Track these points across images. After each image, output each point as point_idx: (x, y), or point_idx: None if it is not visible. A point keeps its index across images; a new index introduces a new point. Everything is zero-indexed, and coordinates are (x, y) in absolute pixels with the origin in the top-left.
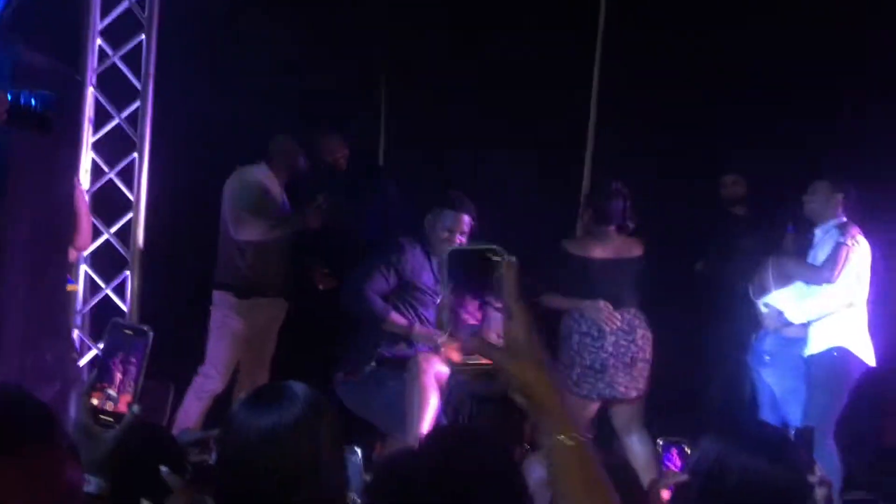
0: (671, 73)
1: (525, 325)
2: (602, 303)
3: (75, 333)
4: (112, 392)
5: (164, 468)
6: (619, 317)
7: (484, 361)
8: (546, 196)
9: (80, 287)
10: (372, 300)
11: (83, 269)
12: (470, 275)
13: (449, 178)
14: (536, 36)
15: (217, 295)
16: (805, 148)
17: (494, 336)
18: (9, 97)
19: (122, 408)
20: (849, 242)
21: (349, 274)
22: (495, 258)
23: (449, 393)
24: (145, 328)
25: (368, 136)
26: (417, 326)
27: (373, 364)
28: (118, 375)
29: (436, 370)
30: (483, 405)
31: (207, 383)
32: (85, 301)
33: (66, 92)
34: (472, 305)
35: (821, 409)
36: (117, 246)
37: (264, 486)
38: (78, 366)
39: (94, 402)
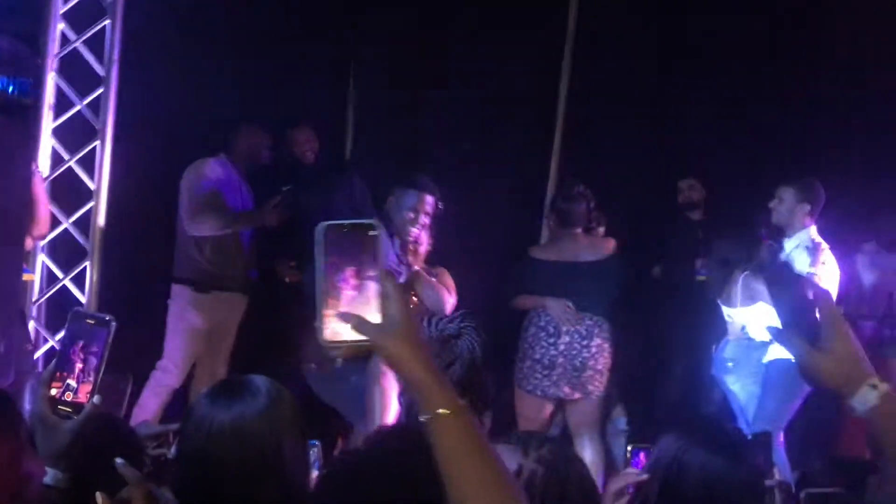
0: (638, 77)
1: (399, 300)
2: (566, 303)
3: (31, 324)
4: (71, 382)
5: (119, 460)
6: (580, 319)
7: (359, 338)
8: (513, 200)
9: (37, 277)
10: None
11: (40, 258)
12: (347, 249)
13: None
14: (506, 34)
15: (175, 288)
16: (768, 150)
17: (374, 308)
18: None
19: (82, 398)
20: (818, 271)
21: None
22: (372, 233)
23: (400, 393)
24: (107, 318)
25: (336, 126)
26: None
27: (339, 361)
28: (78, 365)
29: None
30: None
31: (165, 378)
32: (41, 291)
33: (26, 74)
34: (350, 279)
35: (772, 411)
36: (76, 235)
37: (228, 479)
38: (33, 357)
39: (53, 392)
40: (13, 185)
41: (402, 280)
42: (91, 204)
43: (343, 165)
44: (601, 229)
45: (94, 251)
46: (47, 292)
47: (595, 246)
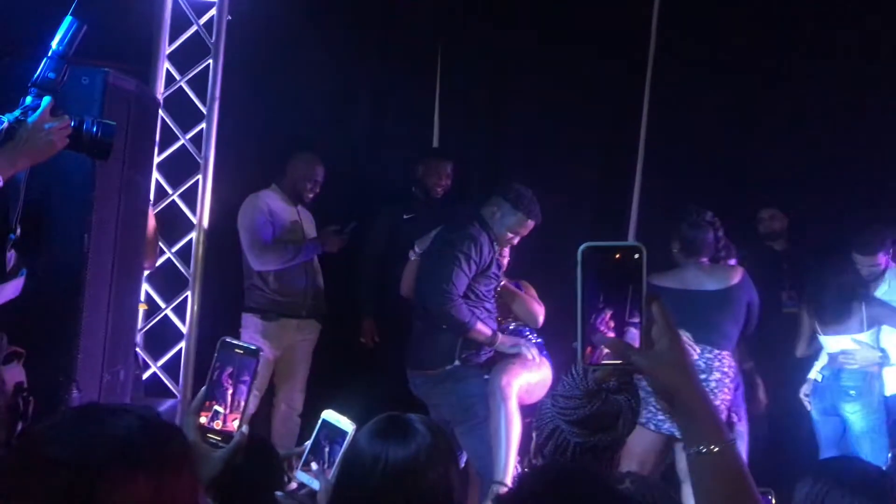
0: (718, 105)
1: (668, 328)
2: (685, 334)
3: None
4: (219, 409)
5: (279, 493)
6: (698, 351)
7: (620, 363)
8: (594, 220)
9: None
10: (459, 307)
11: (143, 287)
12: (606, 275)
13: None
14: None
15: (245, 318)
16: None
17: (633, 334)
18: (72, 123)
19: (230, 427)
20: None
21: (427, 271)
22: (637, 256)
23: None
24: (256, 348)
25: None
26: (500, 337)
27: (456, 363)
28: (229, 393)
29: (519, 392)
30: (586, 453)
31: None
32: (144, 319)
33: (149, 113)
34: (609, 302)
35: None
36: (179, 265)
37: None
38: (141, 383)
39: (202, 420)
40: (135, 219)
41: (498, 287)
42: (192, 234)
43: (462, 198)
44: (731, 261)
45: (196, 281)
46: (151, 321)
47: (719, 274)
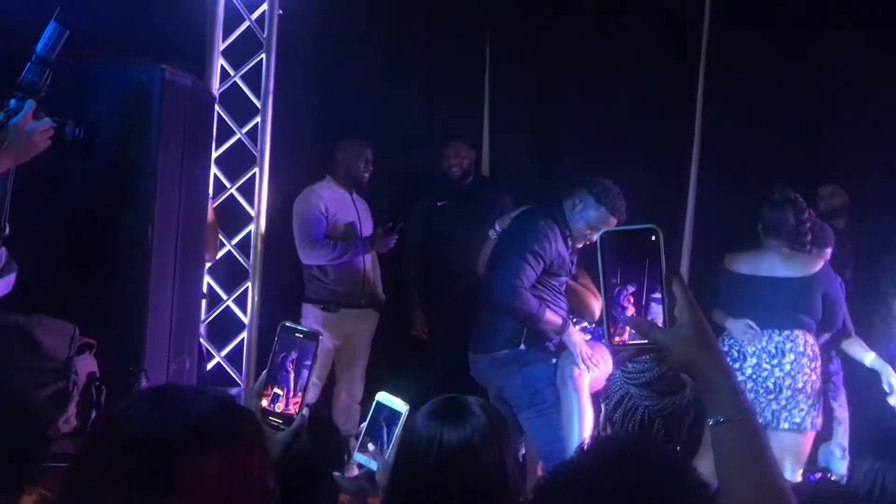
0: (775, 78)
1: (688, 303)
2: (747, 322)
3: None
4: (280, 392)
5: (336, 474)
6: (767, 337)
7: (646, 342)
8: (650, 202)
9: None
10: (527, 299)
11: (205, 279)
12: (626, 258)
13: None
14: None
15: (305, 308)
16: None
17: (657, 312)
18: (54, 126)
19: (291, 410)
20: None
21: (497, 262)
22: (654, 238)
23: (608, 395)
24: (315, 331)
25: (474, 124)
26: (571, 327)
27: (522, 347)
28: (291, 377)
29: (590, 381)
30: (655, 419)
31: None
32: (207, 311)
33: (205, 108)
34: (629, 285)
35: None
36: (238, 257)
37: (456, 494)
38: (205, 373)
39: (263, 403)
40: (197, 212)
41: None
42: (251, 226)
43: (494, 182)
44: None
45: (255, 272)
46: (213, 312)
47: (796, 262)
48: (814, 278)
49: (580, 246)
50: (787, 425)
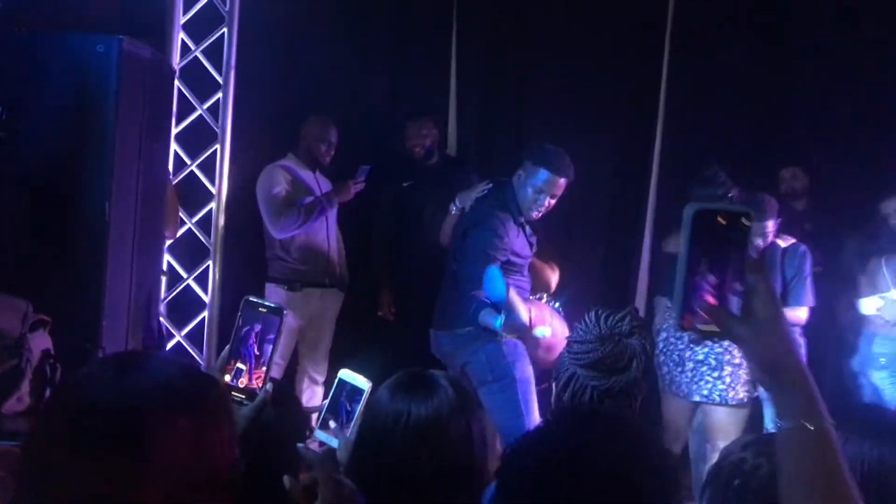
0: (739, 62)
1: (769, 298)
2: (666, 301)
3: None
4: (243, 367)
5: (301, 445)
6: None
7: (714, 329)
8: (616, 184)
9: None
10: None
11: (165, 258)
12: (711, 240)
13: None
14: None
15: (269, 288)
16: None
17: (733, 302)
18: None
19: (254, 384)
20: None
21: (464, 253)
22: (746, 222)
23: (557, 375)
24: (279, 306)
25: (440, 104)
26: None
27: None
28: (254, 352)
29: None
30: (603, 397)
31: None
32: (167, 290)
33: (165, 82)
34: (711, 269)
35: None
36: (199, 235)
37: (424, 468)
38: (165, 353)
39: (227, 378)
40: (156, 187)
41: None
42: (212, 205)
43: (459, 160)
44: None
45: (216, 250)
46: (174, 291)
47: None
48: None
49: (538, 215)
50: (718, 399)
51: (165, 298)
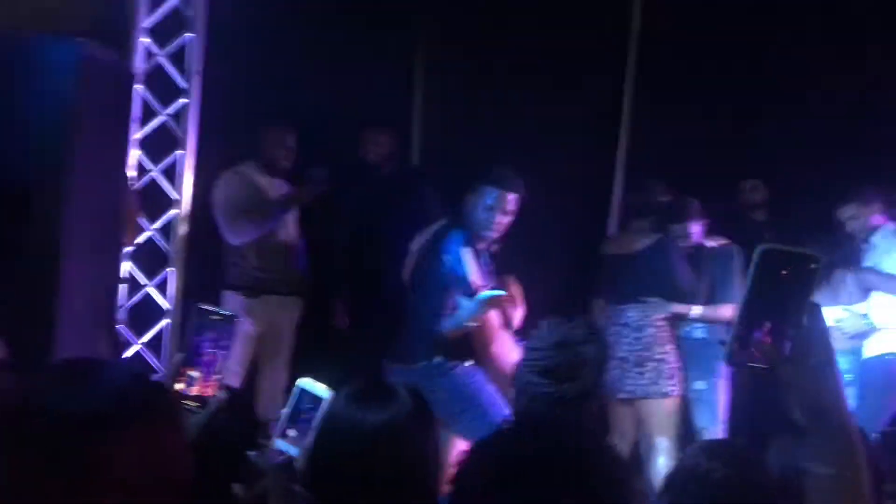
0: (702, 74)
1: (823, 342)
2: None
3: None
4: (195, 375)
5: (253, 453)
6: (620, 311)
7: (764, 366)
8: (578, 198)
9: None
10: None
11: (125, 264)
12: (777, 280)
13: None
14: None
15: (226, 295)
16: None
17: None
18: None
19: (207, 392)
20: None
21: (419, 313)
22: (813, 265)
23: (514, 384)
24: (232, 314)
25: (404, 118)
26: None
27: (436, 359)
28: (207, 359)
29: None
30: (555, 405)
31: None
32: (126, 297)
33: (125, 86)
34: (769, 312)
35: (874, 411)
36: (160, 243)
37: (378, 478)
38: (123, 361)
39: (180, 386)
40: (114, 194)
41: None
42: (173, 211)
43: (414, 171)
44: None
45: (177, 258)
46: (133, 298)
47: (636, 238)
48: (655, 245)
49: (496, 235)
50: (642, 393)
51: (124, 306)
